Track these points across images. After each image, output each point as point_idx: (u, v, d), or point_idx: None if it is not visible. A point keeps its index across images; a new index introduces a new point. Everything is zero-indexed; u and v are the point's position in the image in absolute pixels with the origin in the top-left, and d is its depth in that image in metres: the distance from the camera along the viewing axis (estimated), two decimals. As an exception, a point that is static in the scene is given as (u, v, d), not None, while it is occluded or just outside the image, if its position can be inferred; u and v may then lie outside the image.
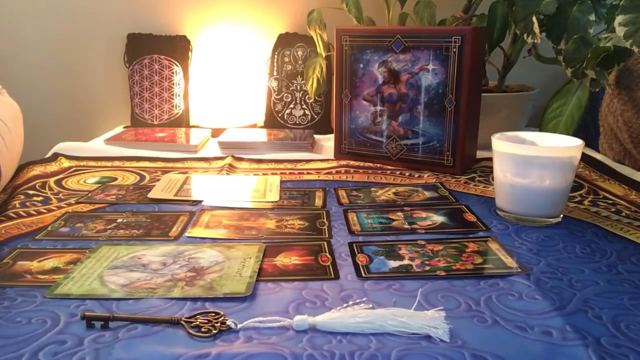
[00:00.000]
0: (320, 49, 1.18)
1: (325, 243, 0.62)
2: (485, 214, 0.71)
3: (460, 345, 0.42)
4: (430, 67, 0.88)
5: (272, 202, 0.76)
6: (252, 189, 0.82)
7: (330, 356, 0.40)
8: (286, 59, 1.29)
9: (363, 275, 0.54)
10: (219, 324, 0.44)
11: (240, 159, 1.00)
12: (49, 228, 0.66)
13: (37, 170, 0.89)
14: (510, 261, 0.57)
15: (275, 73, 1.30)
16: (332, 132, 1.11)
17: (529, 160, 0.65)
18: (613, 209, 0.73)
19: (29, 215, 0.70)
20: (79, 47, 1.36)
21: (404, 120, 0.93)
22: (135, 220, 0.69)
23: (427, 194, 0.80)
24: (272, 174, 0.90)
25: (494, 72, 1.11)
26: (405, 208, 0.74)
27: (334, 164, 0.96)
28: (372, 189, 0.82)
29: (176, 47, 1.31)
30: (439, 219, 0.69)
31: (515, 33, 1.04)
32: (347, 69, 0.96)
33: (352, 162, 0.97)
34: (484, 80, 1.08)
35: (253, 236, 0.64)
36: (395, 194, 0.80)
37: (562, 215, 0.69)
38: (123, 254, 0.58)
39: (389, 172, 0.92)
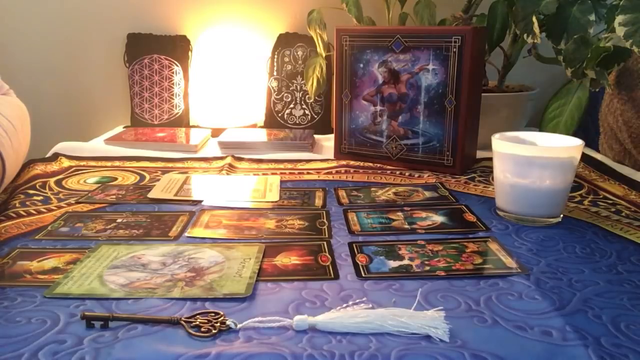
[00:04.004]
0: (320, 49, 1.18)
1: (325, 243, 0.61)
2: (485, 214, 0.71)
3: (460, 345, 0.42)
4: (430, 67, 0.88)
5: (272, 202, 0.76)
6: (252, 189, 0.82)
7: (330, 356, 0.40)
8: (286, 59, 1.29)
9: (363, 275, 0.54)
10: (218, 324, 0.44)
11: (240, 159, 1.00)
12: (49, 228, 0.66)
13: (38, 169, 0.89)
14: (510, 261, 0.57)
15: (275, 73, 1.30)
16: (332, 132, 1.11)
17: (529, 160, 0.65)
18: (613, 209, 0.73)
19: (29, 214, 0.70)
20: (79, 47, 1.36)
21: (404, 120, 0.92)
22: (135, 220, 0.69)
23: (427, 194, 0.80)
24: (272, 174, 0.90)
25: (494, 72, 1.11)
26: (405, 208, 0.74)
27: (334, 164, 0.96)
28: (372, 189, 0.82)
29: (176, 47, 1.31)
30: (439, 219, 0.69)
31: (515, 33, 1.04)
32: (347, 69, 0.96)
33: (352, 162, 0.97)
34: (484, 80, 1.08)
35: (253, 236, 0.64)
36: (395, 194, 0.80)
37: (562, 215, 0.69)
38: (123, 253, 0.58)
39: (389, 172, 0.92)
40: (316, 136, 1.19)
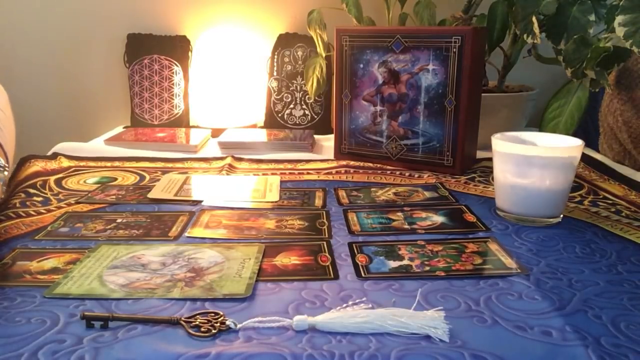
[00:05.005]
0: (320, 49, 1.18)
1: (324, 243, 0.61)
2: (485, 214, 0.71)
3: (460, 345, 0.42)
4: (430, 67, 0.88)
5: (272, 202, 0.76)
6: (252, 189, 0.82)
7: (329, 356, 0.40)
8: (286, 59, 1.29)
9: (363, 275, 0.54)
10: (218, 324, 0.44)
11: (240, 159, 1.00)
12: (49, 228, 0.66)
13: (39, 166, 0.90)
14: (509, 262, 0.57)
15: (275, 73, 1.30)
16: (332, 132, 1.11)
17: (529, 160, 0.65)
18: (613, 209, 0.73)
19: (29, 215, 0.70)
20: (79, 47, 1.36)
21: (404, 120, 0.92)
22: (134, 220, 0.69)
23: (427, 194, 0.80)
24: (272, 174, 0.90)
25: (494, 72, 1.11)
26: (405, 208, 0.74)
27: (334, 164, 0.96)
28: (372, 189, 0.82)
29: (176, 47, 1.31)
30: (438, 219, 0.69)
31: (515, 33, 1.04)
32: (347, 69, 0.96)
33: (352, 162, 0.97)
34: (484, 80, 1.08)
35: (253, 236, 0.64)
36: (395, 194, 0.80)
37: (562, 216, 0.69)
38: (122, 253, 0.58)
39: (389, 172, 0.92)
40: (316, 136, 1.19)
